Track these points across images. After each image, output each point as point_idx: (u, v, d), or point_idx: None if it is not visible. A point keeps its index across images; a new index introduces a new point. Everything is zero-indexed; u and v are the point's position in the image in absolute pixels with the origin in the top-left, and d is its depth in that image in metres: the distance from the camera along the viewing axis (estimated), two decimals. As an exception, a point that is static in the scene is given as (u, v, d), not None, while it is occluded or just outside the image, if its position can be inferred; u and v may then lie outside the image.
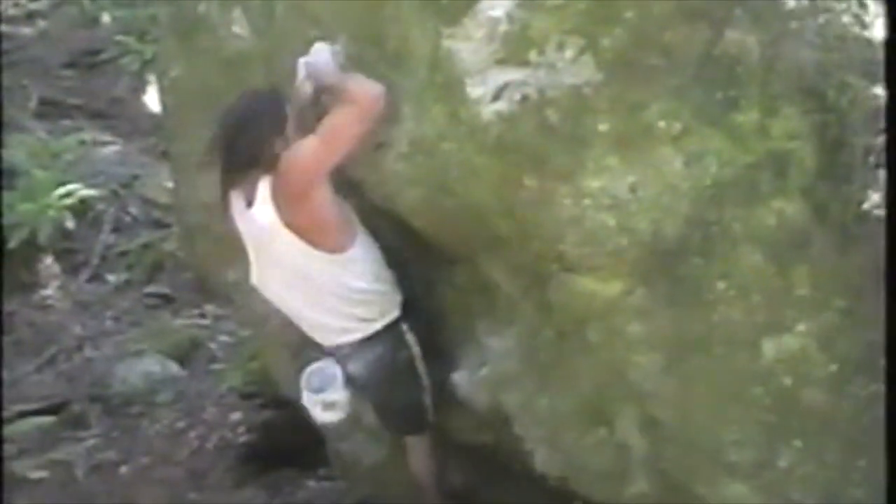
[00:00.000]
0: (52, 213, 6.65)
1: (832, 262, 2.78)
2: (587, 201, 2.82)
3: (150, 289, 6.69)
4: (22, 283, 6.50)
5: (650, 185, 2.78)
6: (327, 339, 3.47)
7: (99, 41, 9.09)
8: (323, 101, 3.20)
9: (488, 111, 2.85)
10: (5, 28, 9.00)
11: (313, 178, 3.15)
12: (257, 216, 3.27)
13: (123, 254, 6.93)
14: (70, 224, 6.74)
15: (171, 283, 6.63)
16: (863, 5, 2.84)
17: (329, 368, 3.47)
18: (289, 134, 3.20)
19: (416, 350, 3.47)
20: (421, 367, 3.49)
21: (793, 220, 2.76)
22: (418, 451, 3.73)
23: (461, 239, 3.23)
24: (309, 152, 3.13)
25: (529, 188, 2.89)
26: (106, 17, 9.33)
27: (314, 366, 3.50)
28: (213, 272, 4.28)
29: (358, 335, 3.42)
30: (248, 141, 3.21)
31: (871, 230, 2.73)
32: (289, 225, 3.21)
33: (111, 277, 6.80)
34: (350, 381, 3.48)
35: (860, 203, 2.75)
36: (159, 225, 7.06)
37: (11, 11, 9.43)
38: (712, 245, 2.79)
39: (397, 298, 3.44)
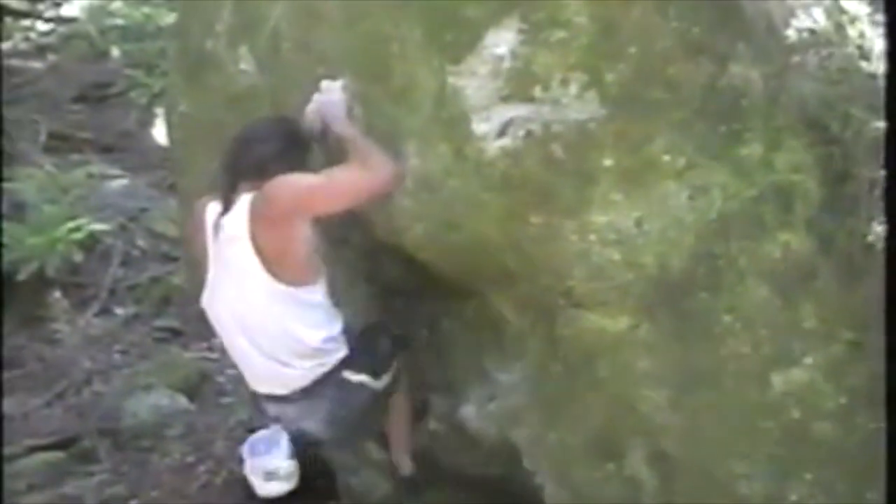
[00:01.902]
0: (60, 246, 6.65)
1: (838, 294, 2.77)
2: (593, 236, 2.83)
3: (159, 322, 6.68)
4: (31, 317, 6.49)
5: (655, 219, 2.79)
6: (258, 384, 3.40)
7: (108, 74, 9.17)
8: (329, 139, 3.21)
9: (493, 147, 2.86)
10: (15, 62, 9.07)
11: (302, 213, 3.12)
12: (228, 225, 3.21)
13: (132, 287, 6.93)
14: (78, 258, 6.75)
15: (180, 317, 6.62)
16: (865, 38, 2.85)
17: (275, 435, 3.37)
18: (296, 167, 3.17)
19: (369, 380, 3.38)
20: (379, 385, 3.41)
21: (798, 253, 2.76)
22: (398, 410, 3.65)
23: (468, 274, 3.23)
24: (308, 190, 3.11)
25: (535, 223, 2.89)
26: (115, 51, 9.41)
27: (259, 434, 3.40)
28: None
29: (284, 390, 3.33)
30: (261, 150, 3.20)
31: (876, 262, 2.73)
32: (255, 244, 3.14)
33: (120, 311, 6.80)
34: (305, 440, 3.38)
35: (865, 235, 2.75)
36: (168, 258, 7.07)
37: (21, 46, 9.51)
38: (718, 279, 2.79)
39: (339, 355, 3.33)
